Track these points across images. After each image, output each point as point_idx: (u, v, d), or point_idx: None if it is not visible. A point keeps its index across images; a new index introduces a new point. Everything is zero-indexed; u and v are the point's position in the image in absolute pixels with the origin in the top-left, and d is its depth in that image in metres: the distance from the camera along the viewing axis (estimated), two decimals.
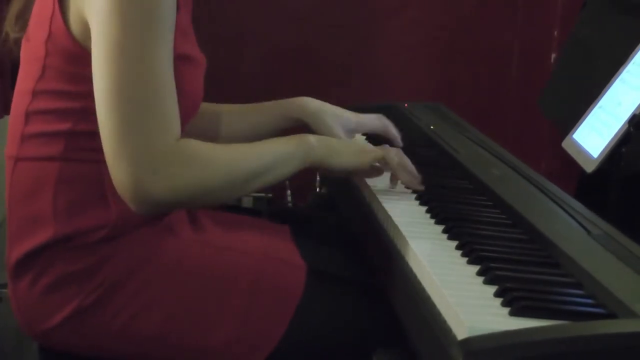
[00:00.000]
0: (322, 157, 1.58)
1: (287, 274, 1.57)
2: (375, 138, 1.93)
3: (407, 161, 1.65)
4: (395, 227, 1.48)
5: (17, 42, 1.59)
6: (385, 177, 1.69)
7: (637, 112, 1.66)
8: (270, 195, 2.75)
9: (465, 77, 3.15)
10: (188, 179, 1.43)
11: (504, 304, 1.20)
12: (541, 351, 1.09)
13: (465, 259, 1.36)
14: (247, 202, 2.69)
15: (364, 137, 2.02)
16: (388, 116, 1.91)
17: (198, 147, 1.46)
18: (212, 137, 1.79)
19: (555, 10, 3.02)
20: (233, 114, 1.86)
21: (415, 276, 1.34)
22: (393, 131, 1.88)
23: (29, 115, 1.53)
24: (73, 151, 1.50)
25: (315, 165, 1.59)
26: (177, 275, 1.53)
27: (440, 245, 1.43)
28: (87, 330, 1.52)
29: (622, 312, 1.17)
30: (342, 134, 1.81)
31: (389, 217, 1.52)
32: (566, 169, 2.01)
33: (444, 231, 1.48)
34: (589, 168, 1.72)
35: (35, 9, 1.55)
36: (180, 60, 1.48)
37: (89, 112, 1.46)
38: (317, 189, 2.49)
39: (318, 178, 2.45)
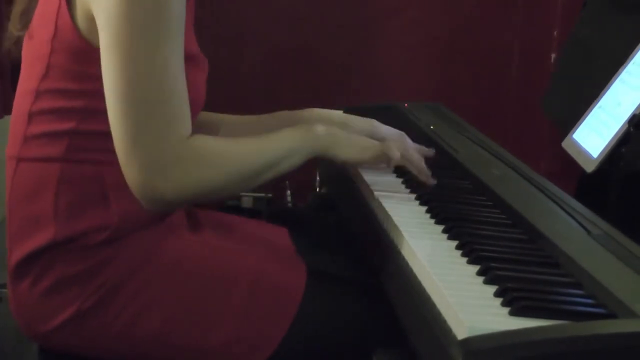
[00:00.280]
0: (326, 147, 1.58)
1: (287, 274, 1.57)
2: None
3: (413, 153, 1.65)
4: (395, 227, 1.48)
5: (18, 42, 1.59)
6: (386, 177, 1.68)
7: (637, 112, 1.66)
8: (270, 195, 2.75)
9: (465, 77, 3.15)
10: (199, 178, 1.44)
11: (504, 304, 1.20)
12: (541, 351, 1.08)
13: (465, 259, 1.36)
14: (247, 202, 2.69)
15: None
16: (388, 116, 1.91)
17: (208, 144, 1.47)
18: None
19: (555, 10, 3.01)
20: (237, 125, 1.83)
21: (415, 276, 1.34)
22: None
23: (31, 116, 1.53)
24: (75, 152, 1.50)
25: (319, 156, 1.59)
26: (177, 275, 1.53)
27: (440, 245, 1.43)
28: (88, 331, 1.52)
29: (622, 312, 1.17)
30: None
31: (389, 217, 1.52)
32: (566, 169, 2.01)
33: (444, 231, 1.48)
34: (589, 168, 1.72)
35: (39, 7, 1.55)
36: (185, 60, 1.48)
37: (93, 111, 1.46)
38: (317, 189, 2.48)
39: (318, 178, 2.45)
